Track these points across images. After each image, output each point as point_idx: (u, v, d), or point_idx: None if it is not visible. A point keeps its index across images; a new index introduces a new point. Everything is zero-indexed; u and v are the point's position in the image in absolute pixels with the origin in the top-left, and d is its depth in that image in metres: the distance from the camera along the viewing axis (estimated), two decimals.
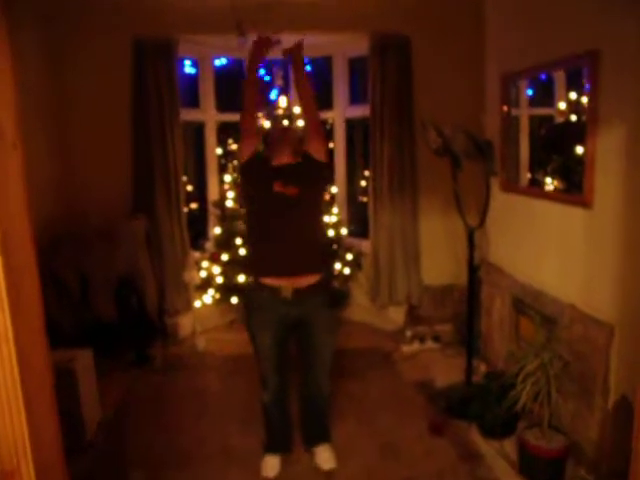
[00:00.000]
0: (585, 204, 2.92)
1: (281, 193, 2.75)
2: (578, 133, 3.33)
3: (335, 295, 5.01)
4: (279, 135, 2.94)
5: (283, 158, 2.88)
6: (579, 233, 3.01)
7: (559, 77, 3.51)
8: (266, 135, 3.08)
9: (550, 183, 3.59)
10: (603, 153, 2.80)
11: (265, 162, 2.91)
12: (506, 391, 2.99)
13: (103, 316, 4.36)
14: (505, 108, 3.86)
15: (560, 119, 3.69)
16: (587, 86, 2.99)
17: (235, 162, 5.09)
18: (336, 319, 3.09)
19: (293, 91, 5.29)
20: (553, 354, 2.81)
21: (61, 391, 3.01)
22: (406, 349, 4.72)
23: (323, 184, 3.18)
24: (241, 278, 4.70)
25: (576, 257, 3.03)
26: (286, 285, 2.76)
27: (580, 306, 2.96)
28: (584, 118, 3.32)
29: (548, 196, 3.41)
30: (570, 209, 3.09)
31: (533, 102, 3.90)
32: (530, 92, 3.88)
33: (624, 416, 2.68)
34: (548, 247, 3.34)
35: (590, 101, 2.87)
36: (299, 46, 2.99)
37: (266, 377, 2.97)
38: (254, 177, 2.87)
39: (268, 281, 2.79)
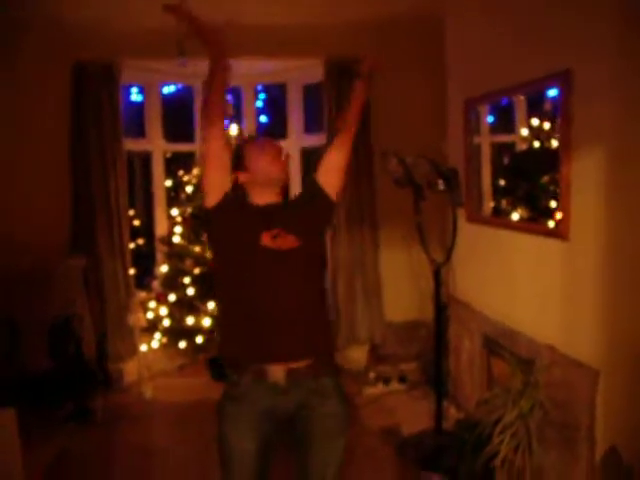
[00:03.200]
0: (561, 235, 2.71)
1: (271, 249, 1.97)
2: (545, 160, 3.21)
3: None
4: (267, 148, 2.14)
5: (269, 190, 2.09)
6: (555, 267, 2.80)
7: (519, 103, 3.42)
8: (238, 154, 2.13)
9: (515, 212, 3.45)
10: (578, 180, 2.61)
11: (241, 200, 2.09)
12: (482, 441, 2.75)
13: (35, 366, 3.97)
14: (468, 135, 3.71)
15: (522, 146, 3.61)
16: (556, 112, 2.84)
17: (187, 193, 4.78)
18: (349, 413, 2.12)
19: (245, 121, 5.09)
20: (533, 402, 2.58)
21: None
22: (370, 391, 4.44)
23: (329, 221, 2.34)
24: (190, 321, 4.41)
25: (553, 293, 2.82)
26: (276, 367, 1.95)
27: (560, 347, 2.73)
28: (547, 144, 3.21)
29: (519, 227, 3.22)
30: (544, 240, 2.90)
31: (494, 129, 3.81)
32: (491, 119, 3.77)
33: (614, 469, 2.44)
34: (521, 282, 3.13)
35: (563, 125, 2.69)
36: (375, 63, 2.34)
37: None
38: (232, 225, 2.03)
39: (251, 364, 1.98)
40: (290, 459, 2.10)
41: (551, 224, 2.96)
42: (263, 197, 2.09)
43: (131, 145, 4.94)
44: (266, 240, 1.96)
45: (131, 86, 5.10)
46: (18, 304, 3.91)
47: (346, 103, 2.44)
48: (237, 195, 2.05)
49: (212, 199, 2.01)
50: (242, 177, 2.08)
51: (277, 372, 1.94)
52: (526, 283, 3.10)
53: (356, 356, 4.93)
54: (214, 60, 2.08)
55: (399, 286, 4.91)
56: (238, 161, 2.09)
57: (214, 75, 2.08)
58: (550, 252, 2.84)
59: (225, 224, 2.03)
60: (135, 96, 5.24)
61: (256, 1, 4.04)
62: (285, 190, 2.19)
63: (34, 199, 4.45)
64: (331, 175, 2.19)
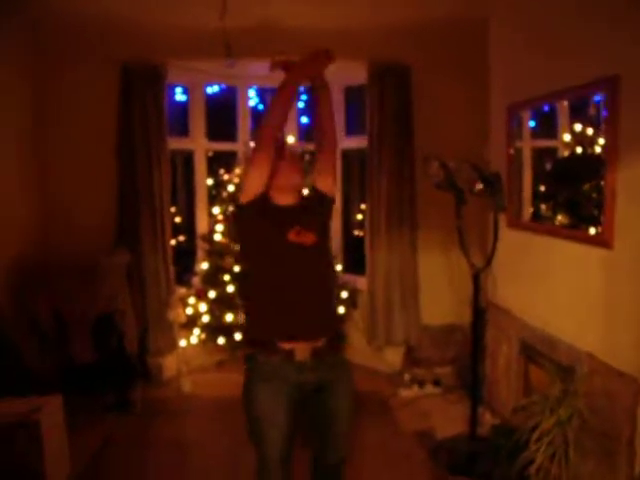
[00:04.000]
0: (605, 244, 2.68)
1: (297, 243, 2.24)
2: (588, 166, 3.17)
3: None
4: (291, 160, 2.37)
5: (289, 193, 2.35)
6: (598, 275, 2.76)
7: (562, 108, 3.37)
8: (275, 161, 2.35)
9: (556, 218, 3.41)
10: (624, 188, 2.57)
11: (264, 200, 2.31)
12: (517, 448, 2.73)
13: (80, 357, 4.09)
14: (510, 140, 3.68)
15: (565, 151, 3.56)
16: (600, 116, 2.81)
17: (228, 192, 4.84)
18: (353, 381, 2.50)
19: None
20: (571, 410, 2.55)
21: (21, 445, 2.76)
22: (404, 394, 4.43)
23: (331, 220, 2.60)
24: (229, 317, 4.46)
25: (595, 301, 2.79)
26: (303, 347, 2.22)
27: (600, 355, 2.70)
28: (590, 150, 3.16)
29: (562, 234, 3.18)
30: (587, 248, 2.86)
31: (536, 134, 3.76)
32: (532, 123, 3.73)
33: None
34: (562, 289, 3.10)
35: (609, 132, 2.66)
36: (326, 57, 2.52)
37: (269, 466, 2.28)
38: (261, 222, 2.27)
39: (280, 344, 2.23)
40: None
41: (592, 231, 2.92)
42: (283, 198, 2.35)
43: (175, 144, 5.03)
44: (292, 236, 2.24)
45: (176, 86, 5.18)
46: (66, 298, 4.02)
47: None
48: (261, 196, 2.27)
49: (248, 196, 2.25)
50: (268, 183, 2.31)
51: (304, 351, 2.22)
52: (566, 290, 3.07)
53: (392, 358, 4.93)
54: (315, 84, 2.50)
55: (437, 289, 4.88)
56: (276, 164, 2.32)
57: (290, 99, 2.42)
58: (592, 260, 2.80)
59: (256, 220, 2.28)
60: (179, 96, 5.32)
61: (299, 3, 4.07)
62: (301, 192, 2.47)
63: (82, 196, 4.58)
64: (324, 178, 2.48)
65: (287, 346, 2.22)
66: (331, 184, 2.48)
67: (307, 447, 2.48)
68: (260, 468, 2.31)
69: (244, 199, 2.26)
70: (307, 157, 4.92)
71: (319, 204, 2.45)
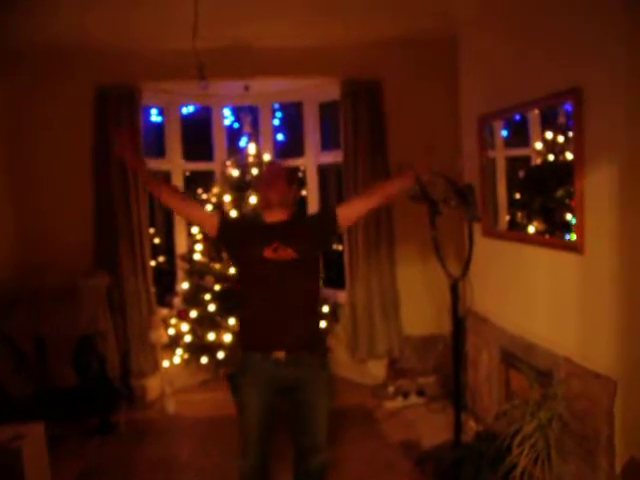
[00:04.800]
0: (576, 249, 2.74)
1: (273, 259, 2.47)
2: (560, 173, 3.23)
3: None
4: (267, 175, 2.71)
5: (273, 210, 2.59)
6: (571, 280, 2.83)
7: (534, 117, 3.44)
8: (256, 181, 2.78)
9: (530, 225, 3.47)
10: (592, 194, 2.64)
11: (252, 219, 2.68)
12: (501, 454, 2.76)
13: (61, 381, 4.05)
14: (483, 150, 3.74)
15: (537, 159, 3.62)
16: (569, 124, 2.89)
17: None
18: (332, 381, 2.87)
19: (262, 140, 5.16)
20: (551, 414, 2.59)
21: (4, 474, 2.72)
22: (389, 405, 4.45)
23: (330, 244, 2.99)
24: (211, 336, 4.45)
25: (569, 306, 2.85)
26: (279, 352, 2.50)
27: (577, 359, 2.75)
28: (562, 157, 3.24)
29: (535, 240, 3.24)
30: (559, 254, 2.92)
31: (508, 143, 3.83)
32: (505, 133, 3.80)
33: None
34: (537, 295, 3.15)
35: (575, 140, 2.74)
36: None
37: (246, 445, 2.62)
38: (234, 242, 2.62)
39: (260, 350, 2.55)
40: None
41: (567, 237, 2.98)
42: (271, 215, 2.60)
43: (151, 165, 4.99)
44: (268, 253, 2.46)
45: (151, 107, 5.20)
46: (46, 321, 4.00)
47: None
48: (247, 216, 2.53)
49: (212, 231, 2.64)
50: (256, 199, 2.61)
51: (279, 354, 2.49)
52: (543, 296, 3.12)
53: (375, 370, 4.94)
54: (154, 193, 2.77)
55: (416, 301, 4.92)
56: (256, 181, 2.64)
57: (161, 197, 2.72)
58: (566, 265, 2.86)
59: (233, 243, 2.62)
60: (155, 117, 5.34)
61: (272, 22, 4.12)
62: (292, 208, 2.67)
63: (59, 219, 4.57)
64: (350, 215, 2.67)
65: (265, 351, 2.51)
66: (350, 222, 2.74)
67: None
68: (241, 446, 2.62)
69: (212, 235, 2.67)
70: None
71: (320, 226, 2.65)
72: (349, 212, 2.66)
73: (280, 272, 2.49)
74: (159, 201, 2.68)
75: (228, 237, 2.64)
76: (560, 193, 3.31)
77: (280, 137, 5.54)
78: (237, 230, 2.66)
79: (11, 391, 3.77)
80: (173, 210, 2.75)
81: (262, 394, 2.55)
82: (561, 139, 3.28)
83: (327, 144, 5.36)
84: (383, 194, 2.75)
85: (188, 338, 4.62)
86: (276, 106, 5.49)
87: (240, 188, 4.63)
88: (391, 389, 4.59)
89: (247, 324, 2.65)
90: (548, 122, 3.38)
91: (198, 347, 4.55)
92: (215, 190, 4.84)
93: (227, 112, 5.40)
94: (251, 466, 2.64)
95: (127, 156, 2.70)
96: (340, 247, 5.42)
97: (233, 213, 4.52)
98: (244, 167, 4.74)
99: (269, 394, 2.57)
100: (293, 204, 2.68)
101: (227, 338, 4.45)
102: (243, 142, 4.91)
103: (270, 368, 2.52)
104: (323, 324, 4.67)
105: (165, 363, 4.76)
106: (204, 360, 4.58)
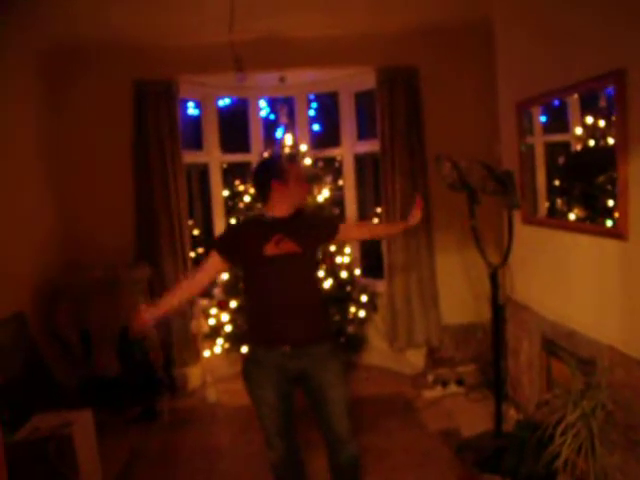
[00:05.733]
0: (619, 235, 2.68)
1: (274, 255, 2.51)
2: (601, 159, 3.16)
3: (350, 339, 4.78)
4: (303, 173, 2.79)
5: (291, 208, 2.64)
6: (614, 267, 2.76)
7: (573, 101, 3.36)
8: (280, 165, 2.67)
9: (571, 212, 3.40)
10: (636, 179, 2.58)
11: (253, 221, 2.77)
12: (543, 443, 2.72)
13: (106, 371, 4.14)
14: (521, 137, 3.69)
15: (577, 145, 3.55)
16: (611, 109, 2.81)
17: (244, 202, 4.86)
18: (344, 368, 2.76)
19: (298, 131, 5.16)
20: (595, 403, 2.54)
21: (55, 459, 2.82)
22: (428, 395, 4.44)
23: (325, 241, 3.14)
24: None
25: (612, 293, 2.78)
26: (284, 346, 2.55)
27: (620, 347, 2.70)
28: (603, 142, 3.16)
29: (576, 227, 3.18)
30: (602, 241, 2.86)
31: (547, 129, 3.76)
32: (544, 119, 3.73)
33: None
34: (579, 283, 3.10)
35: (618, 124, 2.67)
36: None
37: (269, 437, 2.68)
38: (234, 249, 2.64)
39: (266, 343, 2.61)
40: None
41: (609, 224, 2.92)
42: (282, 210, 2.62)
43: (189, 157, 5.11)
44: (270, 248, 2.50)
45: (188, 101, 5.27)
46: (90, 314, 4.09)
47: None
48: (248, 218, 2.78)
49: (222, 262, 2.69)
50: (277, 187, 2.58)
51: (285, 348, 2.52)
52: (584, 283, 3.06)
53: (414, 360, 4.94)
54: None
55: (455, 289, 4.90)
56: (279, 172, 2.58)
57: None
58: (608, 252, 2.80)
59: (233, 250, 2.64)
60: (192, 110, 5.40)
61: (306, 12, 4.13)
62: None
63: (101, 213, 4.68)
64: (348, 236, 3.16)
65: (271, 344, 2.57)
66: (344, 239, 3.20)
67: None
68: (265, 439, 2.70)
69: (225, 266, 2.78)
70: (320, 164, 4.96)
71: (320, 229, 2.80)
72: (349, 232, 3.08)
73: (282, 267, 2.53)
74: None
75: (229, 249, 2.65)
76: (601, 179, 3.24)
77: (316, 127, 5.54)
78: (235, 236, 2.73)
79: (60, 381, 3.88)
80: (200, 291, 2.84)
81: (275, 386, 2.58)
82: (602, 124, 3.21)
83: (364, 133, 5.35)
84: (381, 234, 3.62)
85: (228, 328, 4.68)
86: (311, 96, 5.50)
87: None
88: (430, 378, 4.58)
89: (252, 320, 2.71)
90: (588, 106, 3.30)
91: (238, 337, 4.60)
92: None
93: (263, 103, 5.44)
94: (279, 457, 2.69)
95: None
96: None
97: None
98: (291, 159, 4.75)
99: (282, 385, 2.59)
100: None
101: None
102: (279, 133, 4.93)
103: (277, 359, 2.55)
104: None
105: (206, 353, 4.85)
106: (244, 350, 4.63)
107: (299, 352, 2.54)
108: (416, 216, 3.09)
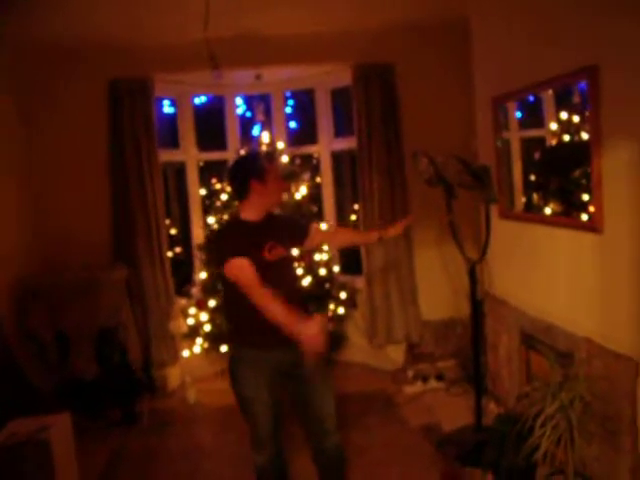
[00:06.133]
0: (594, 229, 2.72)
1: (269, 259, 2.50)
2: (576, 153, 3.20)
3: (330, 337, 4.77)
4: (281, 177, 2.74)
5: (265, 210, 2.61)
6: (590, 260, 2.80)
7: (548, 97, 3.40)
8: (258, 163, 2.58)
9: (547, 206, 3.43)
10: (610, 173, 2.61)
11: (238, 226, 2.59)
12: (522, 436, 2.74)
13: (84, 373, 4.09)
14: (497, 132, 3.71)
15: (552, 140, 3.58)
16: (585, 104, 2.84)
17: (221, 201, 4.82)
18: (328, 366, 2.81)
19: (275, 129, 5.14)
20: (573, 394, 2.57)
21: (34, 465, 2.77)
22: (408, 390, 4.47)
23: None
24: None
25: (589, 286, 2.82)
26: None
27: (597, 339, 2.73)
28: (577, 137, 3.20)
29: (552, 221, 3.22)
30: (577, 234, 2.90)
31: (522, 124, 3.79)
32: (519, 114, 3.76)
33: None
34: (556, 276, 3.13)
35: (591, 119, 2.70)
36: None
37: (261, 439, 2.62)
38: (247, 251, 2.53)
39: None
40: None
41: (584, 217, 2.96)
42: (258, 213, 2.58)
43: (166, 156, 5.06)
44: (266, 253, 2.49)
45: (163, 99, 5.22)
46: (67, 315, 4.03)
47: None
48: (230, 222, 2.79)
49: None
50: (255, 186, 2.52)
51: (281, 344, 2.41)
52: (561, 277, 3.10)
53: (393, 355, 4.96)
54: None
55: (434, 285, 4.92)
56: (258, 171, 2.52)
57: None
58: (584, 245, 2.83)
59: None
60: (167, 108, 5.36)
61: (282, 9, 4.10)
62: None
63: (77, 213, 4.62)
64: (319, 240, 3.04)
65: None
66: (312, 245, 2.97)
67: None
68: (253, 440, 2.64)
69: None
70: (297, 161, 4.94)
71: (294, 230, 2.81)
72: (320, 237, 3.06)
73: (278, 271, 2.54)
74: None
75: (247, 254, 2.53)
76: (576, 174, 3.28)
77: (293, 125, 5.52)
78: (240, 241, 2.54)
79: (36, 384, 3.82)
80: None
81: (269, 386, 2.56)
82: (576, 119, 3.24)
83: (341, 131, 5.34)
84: (354, 240, 3.44)
85: (207, 327, 4.65)
86: (288, 94, 5.48)
87: None
88: (410, 374, 4.60)
89: (243, 323, 2.59)
90: (563, 102, 3.33)
91: (217, 336, 4.56)
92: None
93: (239, 101, 5.41)
94: (267, 459, 2.66)
95: None
96: None
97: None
98: (269, 157, 4.73)
99: (275, 385, 2.58)
100: None
101: None
102: (256, 131, 4.90)
103: (265, 356, 2.53)
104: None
105: (185, 353, 4.81)
106: (224, 349, 4.61)
107: (288, 348, 2.43)
108: (397, 229, 3.08)
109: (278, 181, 2.63)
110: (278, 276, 2.51)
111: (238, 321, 2.64)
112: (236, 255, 2.41)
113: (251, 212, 2.59)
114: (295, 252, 4.30)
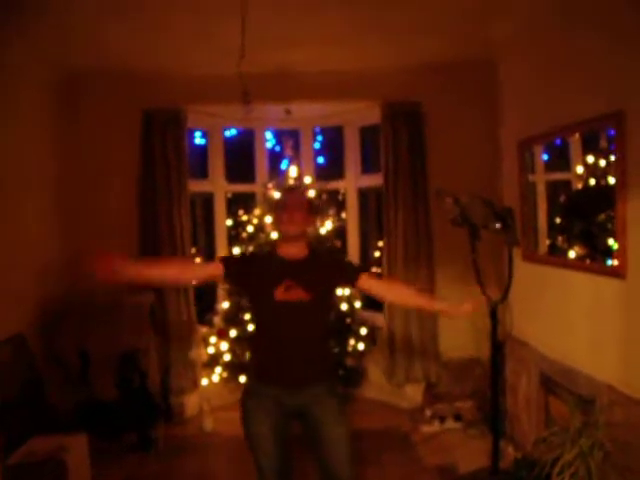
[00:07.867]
0: (618, 274, 2.71)
1: (283, 300, 2.45)
2: (602, 197, 3.19)
3: (349, 372, 4.76)
4: (288, 205, 2.52)
5: (290, 243, 2.52)
6: (612, 305, 2.79)
7: (574, 141, 3.42)
8: (275, 205, 2.67)
9: (571, 250, 3.42)
10: (635, 219, 2.61)
11: (266, 257, 2.62)
12: None
13: (103, 395, 4.12)
14: (523, 174, 3.73)
15: (578, 184, 3.58)
16: (611, 148, 2.86)
17: (247, 232, 4.88)
18: (343, 408, 2.66)
19: (303, 164, 5.20)
20: (593, 442, 2.53)
21: None
22: (425, 429, 4.41)
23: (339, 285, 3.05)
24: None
25: (611, 331, 2.80)
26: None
27: (619, 386, 2.70)
28: (603, 182, 3.20)
29: (576, 265, 3.21)
30: (601, 279, 2.89)
31: (548, 167, 3.80)
32: (545, 157, 3.77)
33: None
34: (578, 320, 3.11)
35: (617, 164, 2.72)
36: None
37: (265, 477, 2.54)
38: (244, 280, 2.58)
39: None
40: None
41: (608, 262, 2.95)
42: (287, 249, 2.54)
43: (195, 186, 5.16)
44: (279, 294, 2.43)
45: (195, 130, 5.34)
46: (91, 337, 4.09)
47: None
48: (261, 250, 2.63)
49: (220, 275, 2.55)
50: (273, 218, 2.51)
51: (283, 386, 2.49)
52: (584, 322, 3.08)
53: (412, 394, 4.91)
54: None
55: (455, 324, 4.83)
56: (275, 203, 2.60)
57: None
58: (608, 290, 2.82)
59: (242, 281, 2.60)
60: (199, 139, 5.48)
61: (314, 48, 4.23)
62: (309, 244, 2.62)
63: (105, 238, 4.67)
64: (370, 290, 2.68)
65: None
66: (368, 293, 2.74)
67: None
68: (259, 477, 2.58)
69: (220, 276, 2.58)
70: (324, 197, 4.99)
71: (336, 274, 2.63)
72: (372, 287, 2.67)
73: (290, 314, 2.47)
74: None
75: (236, 275, 2.57)
76: (601, 218, 3.27)
77: (321, 160, 5.60)
78: (246, 266, 2.59)
79: (56, 403, 3.86)
80: (182, 281, 2.81)
81: (273, 423, 2.50)
82: (603, 163, 3.25)
83: (368, 167, 5.40)
84: (415, 304, 2.95)
85: (227, 357, 4.66)
86: (317, 129, 5.57)
87: None
88: (428, 413, 4.54)
89: (256, 359, 2.68)
90: (589, 146, 3.35)
91: (237, 366, 4.57)
92: (256, 212, 4.89)
93: (269, 135, 5.50)
94: None
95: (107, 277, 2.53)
96: (379, 269, 5.42)
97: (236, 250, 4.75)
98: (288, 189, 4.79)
99: (280, 422, 2.51)
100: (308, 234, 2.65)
101: None
102: (284, 165, 4.98)
103: (274, 394, 2.50)
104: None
105: (204, 381, 4.82)
106: (242, 379, 4.61)
107: (297, 390, 2.51)
108: (466, 310, 2.77)
109: (281, 209, 2.54)
110: (287, 318, 2.47)
111: (253, 352, 2.72)
112: (223, 260, 2.60)
113: (280, 243, 2.62)
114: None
